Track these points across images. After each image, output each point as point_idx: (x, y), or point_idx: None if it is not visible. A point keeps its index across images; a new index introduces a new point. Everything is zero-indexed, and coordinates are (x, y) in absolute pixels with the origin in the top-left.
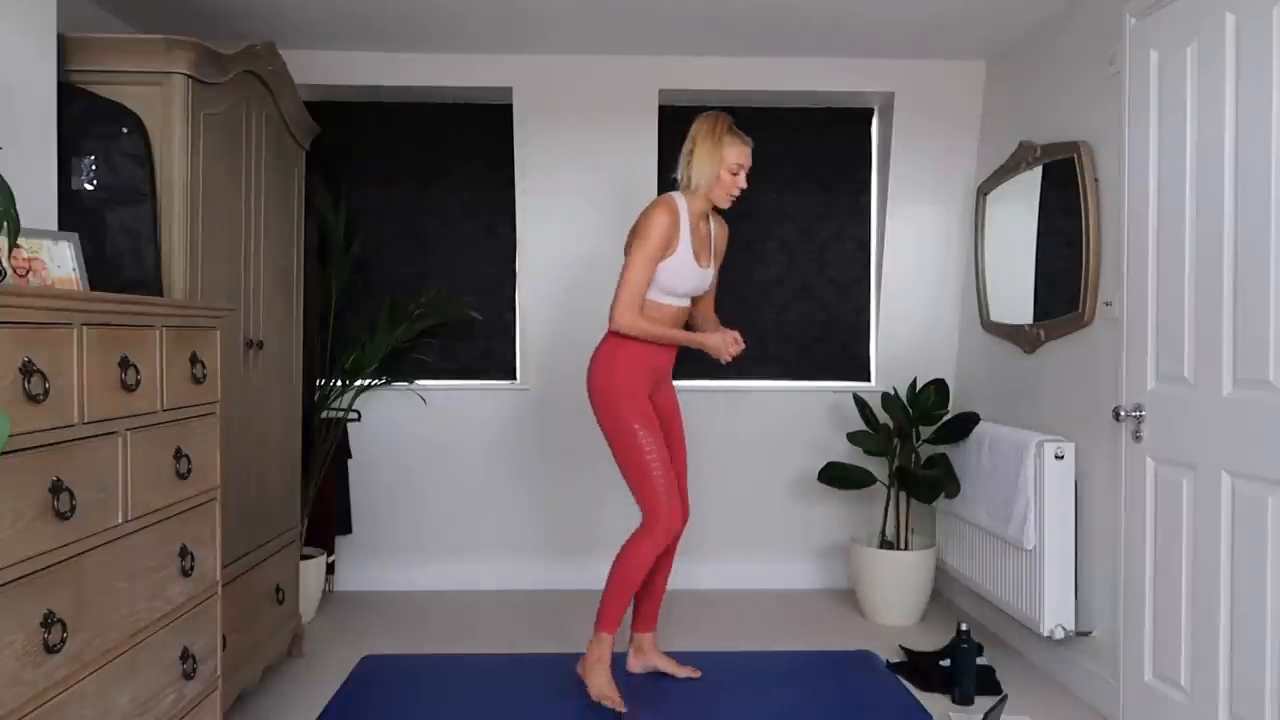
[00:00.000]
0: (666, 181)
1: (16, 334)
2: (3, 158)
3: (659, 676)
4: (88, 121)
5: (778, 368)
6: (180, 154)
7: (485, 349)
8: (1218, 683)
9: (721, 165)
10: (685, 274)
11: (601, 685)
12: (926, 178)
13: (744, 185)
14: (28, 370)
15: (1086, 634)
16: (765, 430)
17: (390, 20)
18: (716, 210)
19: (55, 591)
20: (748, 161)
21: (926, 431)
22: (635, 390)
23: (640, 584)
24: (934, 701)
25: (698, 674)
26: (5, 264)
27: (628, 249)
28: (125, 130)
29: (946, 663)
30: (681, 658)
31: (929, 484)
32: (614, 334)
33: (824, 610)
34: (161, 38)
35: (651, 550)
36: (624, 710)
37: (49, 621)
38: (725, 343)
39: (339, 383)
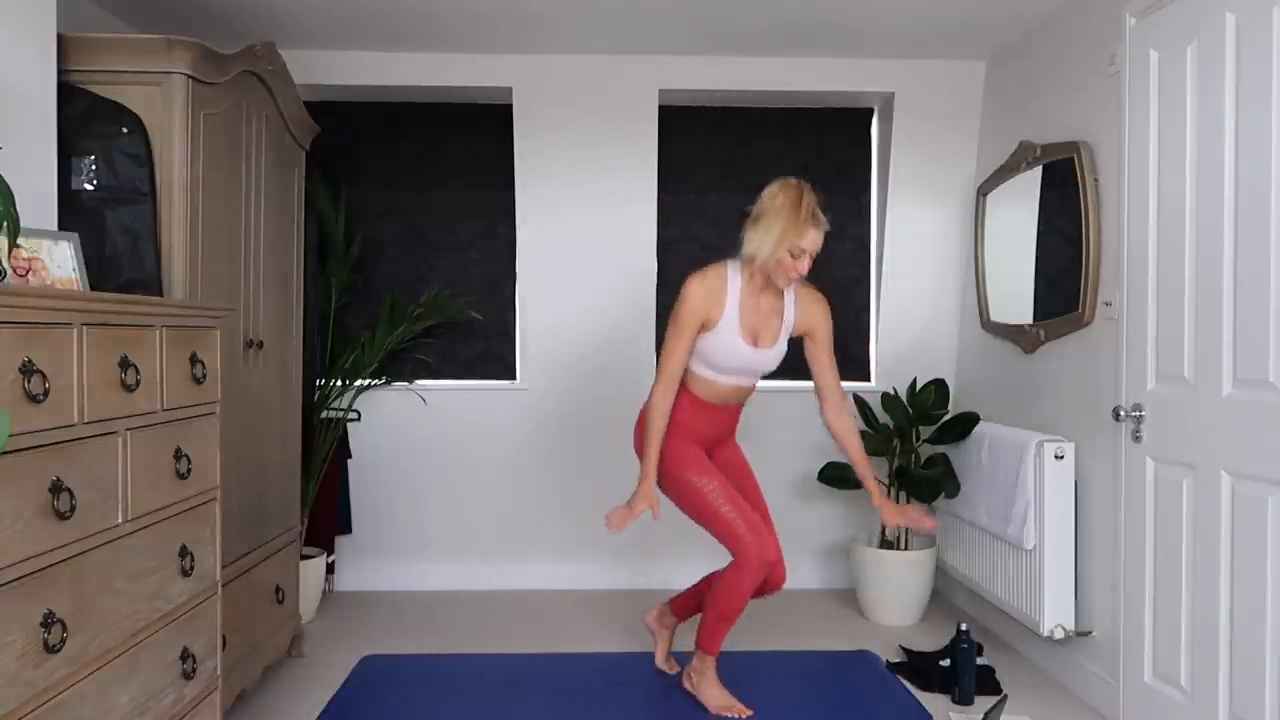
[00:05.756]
0: (667, 182)
1: (16, 334)
2: (3, 158)
3: (662, 675)
4: (88, 121)
5: (778, 368)
6: (180, 154)
7: (485, 349)
8: (1218, 683)
9: (789, 246)
10: (728, 349)
11: (717, 697)
12: (926, 178)
13: (805, 271)
14: (28, 370)
15: (1086, 634)
16: (765, 430)
17: (390, 20)
18: (806, 283)
19: (55, 591)
20: (818, 247)
21: (926, 431)
22: (678, 446)
23: (741, 611)
24: (934, 701)
25: (676, 667)
26: (5, 264)
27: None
28: (125, 130)
29: (946, 663)
30: (682, 657)
31: (929, 484)
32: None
33: (824, 610)
34: (161, 37)
35: (751, 582)
36: (750, 713)
37: (49, 621)
38: (627, 505)
39: (339, 383)
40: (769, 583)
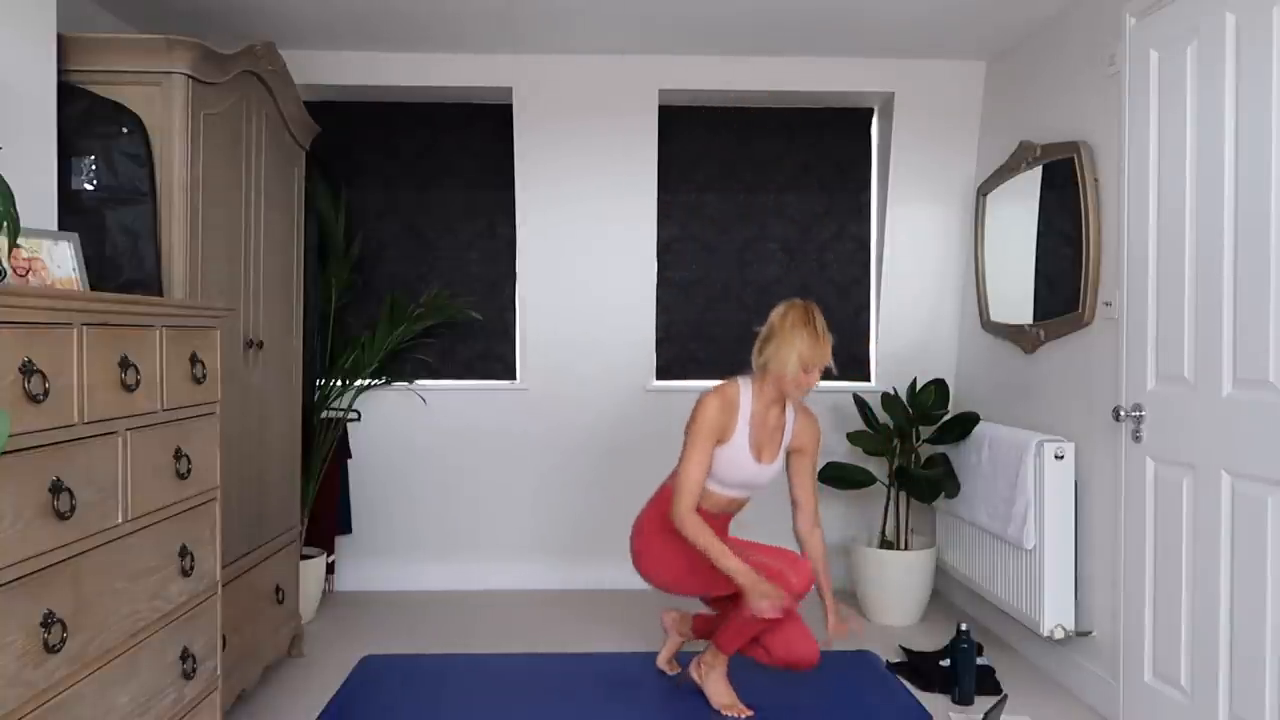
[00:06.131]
0: (667, 182)
1: (16, 334)
2: (3, 158)
3: (662, 676)
4: (88, 121)
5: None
6: (180, 154)
7: (485, 349)
8: (1218, 683)
9: (805, 364)
10: (736, 464)
11: (721, 694)
12: (926, 178)
13: (815, 384)
14: (28, 370)
15: (1086, 634)
16: None
17: (390, 20)
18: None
19: (55, 591)
20: (829, 360)
21: (926, 431)
22: (674, 544)
23: (763, 628)
24: (934, 701)
25: (677, 669)
26: (5, 264)
27: (686, 431)
28: (125, 130)
29: (946, 663)
30: (684, 657)
31: (929, 484)
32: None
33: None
34: (162, 37)
35: (789, 599)
36: (750, 713)
37: (49, 621)
38: (760, 595)
39: (339, 383)
40: (802, 658)
